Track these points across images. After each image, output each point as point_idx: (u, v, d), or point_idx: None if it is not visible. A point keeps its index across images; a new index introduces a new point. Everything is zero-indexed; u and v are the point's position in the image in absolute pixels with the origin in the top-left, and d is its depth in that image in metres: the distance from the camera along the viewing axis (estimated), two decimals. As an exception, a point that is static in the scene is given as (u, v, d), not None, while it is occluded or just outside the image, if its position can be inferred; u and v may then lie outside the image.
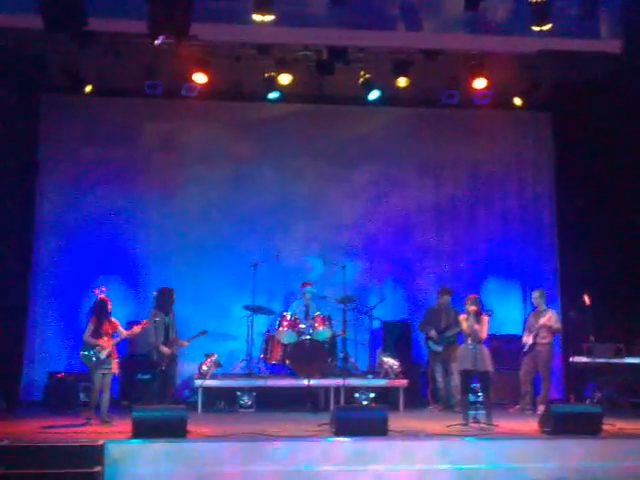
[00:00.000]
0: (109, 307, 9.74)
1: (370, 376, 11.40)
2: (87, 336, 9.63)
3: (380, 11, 10.25)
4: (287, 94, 11.80)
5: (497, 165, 13.22)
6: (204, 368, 10.93)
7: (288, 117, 12.76)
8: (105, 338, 9.58)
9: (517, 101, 12.04)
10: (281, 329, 11.42)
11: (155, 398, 10.06)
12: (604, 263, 11.89)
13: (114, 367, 9.68)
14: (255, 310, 11.60)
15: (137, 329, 9.96)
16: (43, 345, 11.97)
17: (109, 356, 9.57)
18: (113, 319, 9.80)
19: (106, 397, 9.63)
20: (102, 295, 9.83)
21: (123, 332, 9.84)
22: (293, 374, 11.30)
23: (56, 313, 12.09)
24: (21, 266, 11.67)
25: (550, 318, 11.07)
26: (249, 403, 10.92)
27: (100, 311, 9.69)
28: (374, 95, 11.70)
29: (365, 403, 10.69)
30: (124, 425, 8.76)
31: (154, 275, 12.16)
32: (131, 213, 12.44)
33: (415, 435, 8.85)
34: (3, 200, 11.08)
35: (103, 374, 9.57)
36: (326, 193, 12.83)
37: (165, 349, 10.31)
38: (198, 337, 10.61)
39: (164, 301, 10.52)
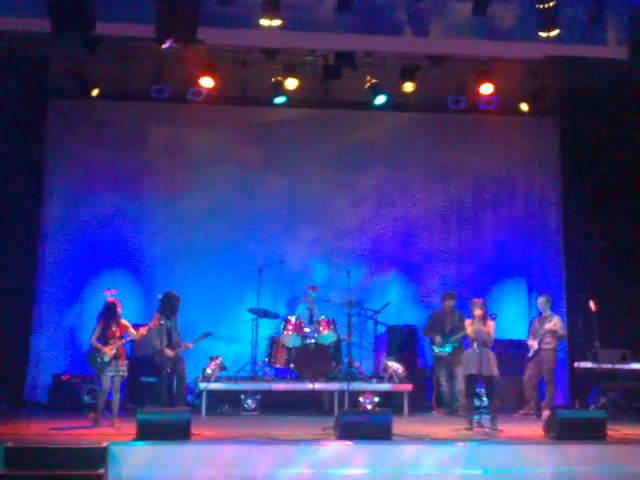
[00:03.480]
0: (118, 310, 9.71)
1: (374, 380, 11.39)
2: (94, 339, 9.63)
3: (387, 16, 10.26)
4: (293, 99, 11.81)
5: (503, 170, 13.15)
6: (208, 371, 10.94)
7: (294, 122, 12.76)
8: (110, 342, 9.56)
9: (524, 107, 12.00)
10: (286, 333, 11.41)
11: (163, 401, 10.11)
12: (610, 269, 11.88)
13: (124, 369, 9.67)
14: (260, 314, 11.61)
15: (144, 330, 9.92)
16: (48, 347, 11.99)
17: (116, 358, 9.56)
18: (123, 321, 9.76)
19: (116, 398, 9.64)
20: (111, 298, 9.84)
21: (132, 332, 9.76)
22: (297, 378, 11.30)
23: (61, 315, 12.13)
24: (26, 268, 11.74)
25: (556, 324, 11.06)
26: (253, 406, 10.92)
27: (108, 314, 9.67)
28: (380, 100, 11.68)
29: (369, 407, 10.65)
30: (128, 427, 8.76)
31: (160, 278, 12.20)
32: (137, 216, 12.47)
33: (419, 439, 8.84)
34: (9, 202, 11.15)
35: (111, 376, 9.56)
36: (332, 197, 12.82)
37: (169, 352, 10.33)
38: (202, 339, 10.64)
39: (166, 306, 10.53)
